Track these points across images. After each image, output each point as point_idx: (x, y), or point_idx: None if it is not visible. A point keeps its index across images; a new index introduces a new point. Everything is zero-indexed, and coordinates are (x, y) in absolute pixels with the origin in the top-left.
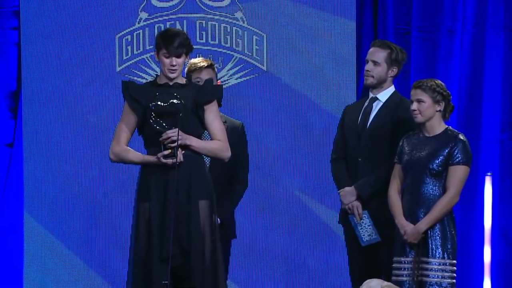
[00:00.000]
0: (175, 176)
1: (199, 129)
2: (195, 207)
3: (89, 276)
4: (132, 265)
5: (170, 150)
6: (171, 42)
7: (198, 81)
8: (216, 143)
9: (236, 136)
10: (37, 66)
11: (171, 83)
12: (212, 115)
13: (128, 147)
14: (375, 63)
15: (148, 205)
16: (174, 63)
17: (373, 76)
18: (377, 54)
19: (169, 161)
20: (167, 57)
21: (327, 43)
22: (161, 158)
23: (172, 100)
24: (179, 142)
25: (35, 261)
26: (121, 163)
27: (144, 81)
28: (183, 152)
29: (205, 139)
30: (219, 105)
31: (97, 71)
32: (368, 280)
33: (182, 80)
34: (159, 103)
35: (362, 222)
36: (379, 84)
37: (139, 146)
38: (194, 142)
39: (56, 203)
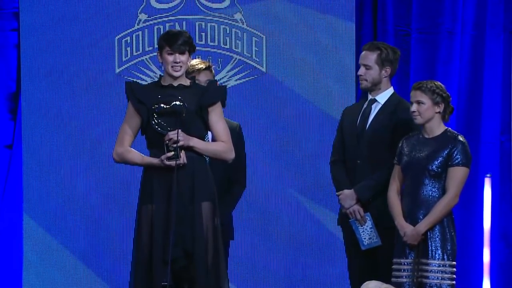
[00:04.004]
0: (176, 178)
1: (203, 130)
2: (198, 209)
3: (89, 278)
4: (134, 266)
5: (173, 152)
6: (175, 39)
7: (198, 83)
8: (219, 144)
9: (233, 137)
10: (36, 68)
11: (175, 85)
12: (216, 117)
13: (132, 148)
14: (367, 66)
15: (151, 207)
16: (178, 60)
17: (366, 80)
18: (367, 57)
19: (172, 163)
20: (170, 54)
21: (326, 45)
22: (165, 160)
23: (174, 102)
24: (182, 143)
25: (34, 263)
26: (124, 164)
27: (143, 82)
28: (186, 153)
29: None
30: (223, 105)
31: (97, 72)
32: (367, 282)
33: (186, 82)
34: (161, 105)
35: (364, 225)
36: (375, 86)
37: (142, 147)
38: (197, 143)
39: (55, 205)
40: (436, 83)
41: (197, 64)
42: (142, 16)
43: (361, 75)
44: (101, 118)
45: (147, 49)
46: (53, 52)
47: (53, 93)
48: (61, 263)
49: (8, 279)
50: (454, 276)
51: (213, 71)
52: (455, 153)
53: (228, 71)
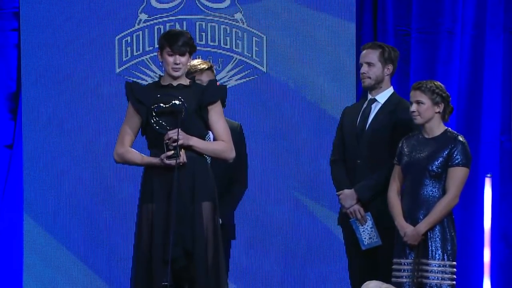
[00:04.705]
0: (176, 177)
1: (203, 130)
2: (198, 208)
3: (89, 278)
4: (134, 266)
5: (173, 151)
6: (175, 40)
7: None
8: (219, 143)
9: (234, 137)
10: (36, 68)
11: (174, 84)
12: (216, 116)
13: (132, 149)
14: (370, 64)
15: (152, 206)
16: (178, 61)
17: (370, 77)
18: (370, 55)
19: (173, 162)
20: (171, 55)
21: (327, 45)
22: (165, 159)
23: (173, 101)
24: (181, 142)
25: (34, 262)
26: (125, 164)
27: (144, 82)
28: (186, 153)
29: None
30: (223, 105)
31: (97, 72)
32: (367, 282)
33: (186, 81)
34: (160, 104)
35: (365, 224)
36: (377, 84)
37: (143, 147)
38: (196, 142)
39: (55, 204)
40: (435, 83)
41: (199, 64)
42: (143, 16)
43: (364, 73)
44: (101, 118)
45: (147, 49)
46: (53, 52)
47: (53, 93)
48: (61, 263)
49: (8, 279)
50: (454, 276)
51: (214, 71)
52: (455, 153)
53: (229, 71)
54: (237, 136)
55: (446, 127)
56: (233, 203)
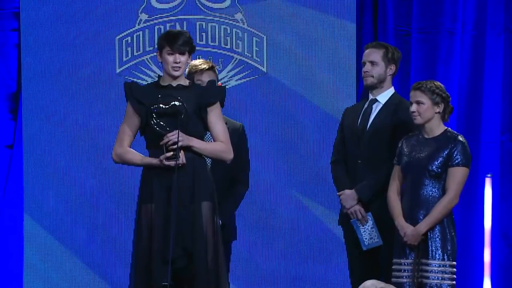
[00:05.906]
0: (176, 178)
1: (202, 130)
2: (198, 208)
3: (89, 278)
4: (134, 266)
5: (172, 152)
6: (176, 39)
7: (199, 83)
8: (218, 144)
9: (236, 137)
10: (37, 68)
11: (174, 85)
12: (215, 117)
13: (131, 149)
14: (373, 63)
15: (151, 206)
16: (178, 60)
17: (372, 76)
18: (374, 54)
19: (172, 163)
20: (171, 54)
21: (327, 45)
22: (164, 160)
23: (173, 102)
24: (181, 143)
25: (34, 263)
26: (124, 164)
27: (144, 82)
28: (186, 154)
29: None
30: (222, 106)
31: (97, 72)
32: (365, 281)
33: (185, 82)
34: (160, 105)
35: (366, 225)
36: (379, 84)
37: (141, 147)
38: (196, 143)
39: (55, 204)
40: (435, 83)
41: (200, 64)
42: (143, 16)
43: (366, 72)
44: (102, 118)
45: (147, 49)
46: (53, 52)
47: (54, 93)
48: (62, 263)
49: (9, 279)
50: (454, 276)
51: (217, 72)
52: (455, 153)
53: (229, 71)
54: (239, 136)
55: (446, 127)
56: (235, 204)
